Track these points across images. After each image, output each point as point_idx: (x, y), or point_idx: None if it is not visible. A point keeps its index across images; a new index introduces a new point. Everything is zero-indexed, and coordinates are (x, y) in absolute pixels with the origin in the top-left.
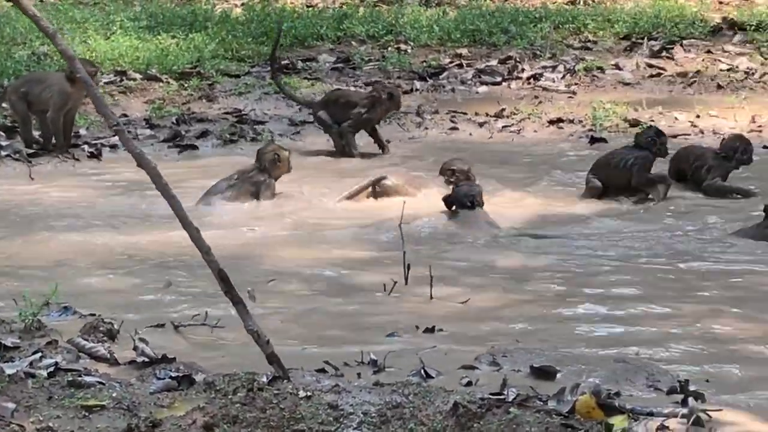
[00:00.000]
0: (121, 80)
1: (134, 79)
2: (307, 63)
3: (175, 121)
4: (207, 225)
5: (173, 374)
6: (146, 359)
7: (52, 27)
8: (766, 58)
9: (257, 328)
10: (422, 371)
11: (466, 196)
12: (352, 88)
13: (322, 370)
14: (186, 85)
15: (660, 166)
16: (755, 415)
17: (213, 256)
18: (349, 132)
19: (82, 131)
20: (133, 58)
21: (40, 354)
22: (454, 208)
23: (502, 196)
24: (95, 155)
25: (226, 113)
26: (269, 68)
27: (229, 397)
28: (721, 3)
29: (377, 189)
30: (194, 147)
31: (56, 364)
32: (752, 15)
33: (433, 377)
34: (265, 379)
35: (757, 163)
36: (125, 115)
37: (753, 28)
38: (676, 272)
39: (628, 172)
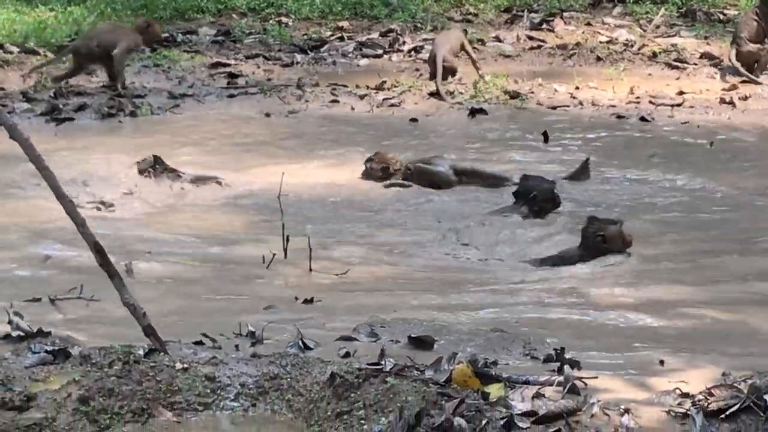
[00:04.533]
0: None
1: (11, 53)
2: (188, 36)
3: (53, 95)
4: (87, 195)
5: (48, 348)
6: (21, 333)
7: None
8: (644, 30)
9: (134, 300)
10: (300, 342)
11: None
12: None
13: (199, 343)
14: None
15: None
16: (628, 381)
17: (88, 228)
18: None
19: None
20: (11, 31)
21: None
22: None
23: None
24: None
25: (105, 86)
26: None
27: (105, 370)
28: None
29: None
30: (72, 120)
31: None
32: None
33: (311, 348)
34: (141, 352)
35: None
36: (2, 89)
37: (632, 0)
38: (554, 241)
39: None
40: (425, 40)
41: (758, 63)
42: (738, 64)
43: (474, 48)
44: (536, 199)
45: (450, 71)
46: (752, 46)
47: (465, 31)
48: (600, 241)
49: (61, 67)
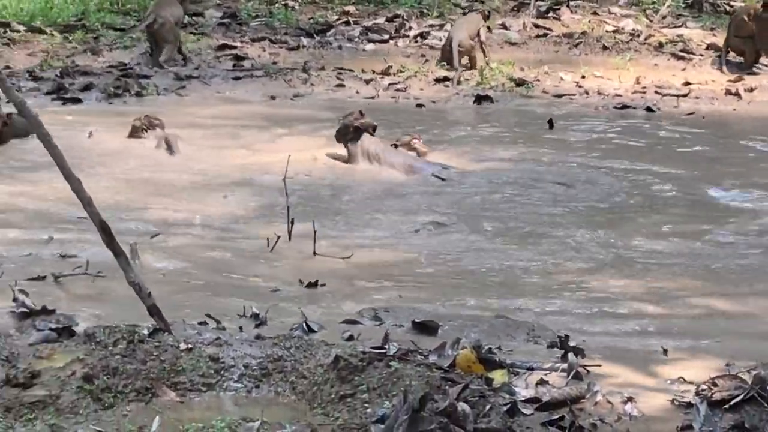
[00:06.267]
0: (5, 32)
1: (18, 31)
2: (194, 18)
3: (59, 74)
4: (94, 175)
5: (53, 326)
6: (26, 310)
7: None
8: (651, 21)
9: (139, 280)
10: (304, 325)
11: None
12: None
13: (203, 323)
14: (70, 38)
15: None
16: (632, 367)
17: (94, 207)
18: None
19: None
20: (17, 10)
21: None
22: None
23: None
24: None
25: (111, 67)
26: None
27: (110, 348)
28: None
29: None
30: (78, 100)
31: None
32: None
33: (315, 331)
34: (146, 332)
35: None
36: (8, 67)
37: None
38: (559, 230)
39: None
40: (431, 26)
41: (744, 57)
42: (725, 53)
43: (477, 39)
44: None
45: (466, 54)
46: (737, 41)
47: (486, 17)
48: None
49: None
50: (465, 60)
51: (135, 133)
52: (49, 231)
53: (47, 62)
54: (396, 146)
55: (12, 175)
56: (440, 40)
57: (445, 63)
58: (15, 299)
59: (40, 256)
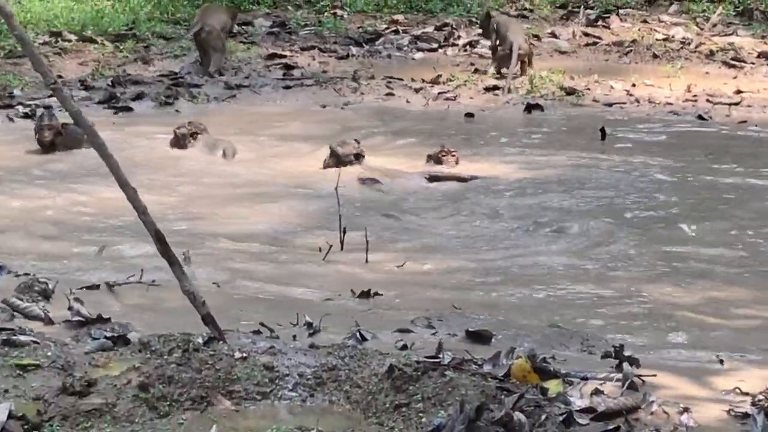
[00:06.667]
0: (56, 41)
1: (69, 41)
2: (243, 27)
3: (110, 83)
4: (146, 183)
5: (108, 334)
6: (81, 319)
7: None
8: (701, 29)
9: (193, 288)
10: (358, 334)
11: None
12: None
13: (257, 332)
14: (121, 47)
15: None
16: (687, 378)
17: (149, 216)
18: None
19: (17, 92)
20: (68, 20)
21: None
22: None
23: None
24: (30, 116)
25: (162, 75)
26: None
27: (165, 357)
28: None
29: None
30: (129, 109)
31: None
32: None
33: (368, 340)
34: (200, 340)
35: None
36: (60, 77)
37: None
38: (613, 239)
39: None
40: (480, 34)
41: None
42: None
43: (529, 43)
44: None
45: (523, 58)
46: None
47: None
48: None
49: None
50: (517, 67)
51: (180, 141)
52: (103, 240)
53: (98, 71)
54: (430, 157)
55: (65, 184)
56: (489, 49)
57: (496, 71)
58: (70, 308)
59: (94, 265)
